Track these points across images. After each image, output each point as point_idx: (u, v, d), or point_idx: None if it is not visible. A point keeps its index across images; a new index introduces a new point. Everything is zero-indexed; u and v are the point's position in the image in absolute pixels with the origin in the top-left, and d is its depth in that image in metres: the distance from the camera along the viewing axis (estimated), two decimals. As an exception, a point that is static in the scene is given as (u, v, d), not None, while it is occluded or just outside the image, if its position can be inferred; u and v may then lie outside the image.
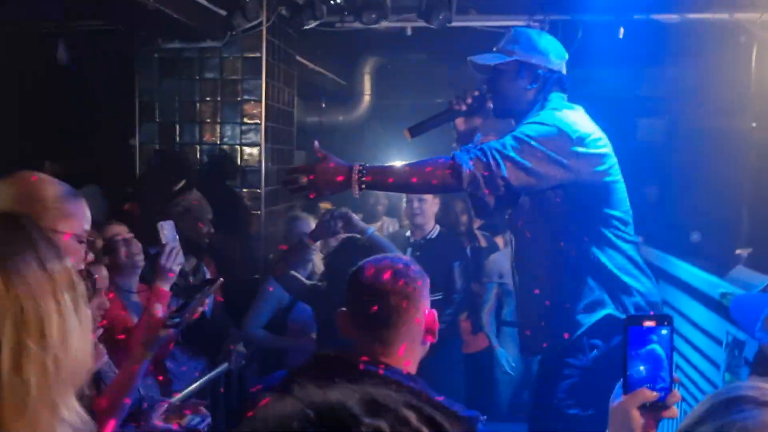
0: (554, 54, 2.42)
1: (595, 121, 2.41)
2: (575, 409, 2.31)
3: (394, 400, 0.58)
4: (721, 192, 4.65)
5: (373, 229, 3.25)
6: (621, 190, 2.37)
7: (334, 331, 1.60)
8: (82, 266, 1.58)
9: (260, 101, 4.46)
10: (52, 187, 1.59)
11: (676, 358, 3.48)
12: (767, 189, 4.71)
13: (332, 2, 3.88)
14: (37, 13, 4.50)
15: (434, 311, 1.60)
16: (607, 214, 2.32)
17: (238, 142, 4.51)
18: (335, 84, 6.98)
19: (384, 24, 4.14)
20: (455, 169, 2.17)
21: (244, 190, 4.49)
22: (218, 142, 4.53)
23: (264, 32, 4.35)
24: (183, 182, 3.75)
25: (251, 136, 4.49)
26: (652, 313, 1.23)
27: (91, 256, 1.68)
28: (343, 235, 3.28)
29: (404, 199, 4.21)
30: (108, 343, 1.84)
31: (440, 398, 1.26)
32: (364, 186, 2.18)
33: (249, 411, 1.14)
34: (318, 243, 3.54)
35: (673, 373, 1.19)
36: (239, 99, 4.48)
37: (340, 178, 2.19)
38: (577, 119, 2.31)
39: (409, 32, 4.76)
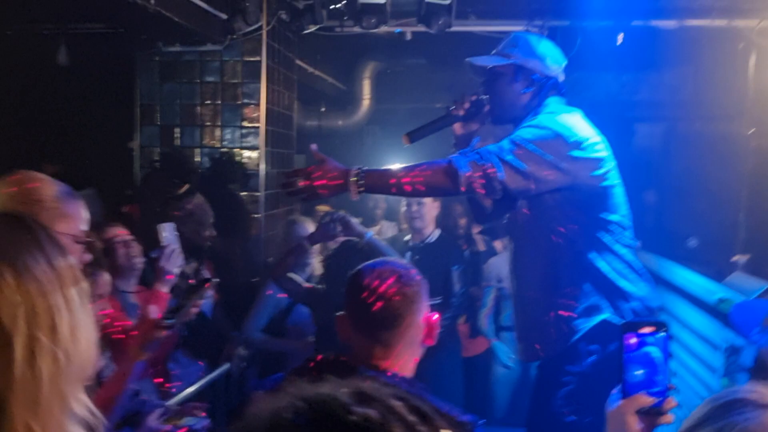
0: (552, 59, 2.43)
1: (594, 126, 2.41)
2: (573, 416, 2.30)
3: (382, 392, 0.59)
4: (719, 198, 4.66)
5: (371, 232, 3.26)
6: (619, 194, 2.37)
7: (332, 333, 1.61)
8: (80, 266, 1.59)
9: (260, 105, 4.47)
10: (50, 187, 1.60)
11: (673, 363, 3.49)
12: (765, 195, 4.73)
13: (332, 7, 3.90)
14: (39, 15, 4.51)
15: (434, 314, 1.60)
16: (604, 218, 2.32)
17: (237, 145, 4.52)
18: (335, 88, 6.99)
19: (383, 29, 4.15)
20: (452, 172, 2.17)
21: (244, 193, 4.49)
22: (218, 146, 4.54)
23: (264, 36, 4.37)
24: (186, 186, 3.76)
25: (251, 140, 4.50)
26: (648, 319, 1.24)
27: (88, 257, 1.68)
28: (342, 239, 3.29)
29: (403, 203, 4.22)
30: (105, 344, 1.85)
31: (438, 403, 1.27)
32: (362, 189, 2.19)
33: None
34: (317, 246, 3.55)
35: (670, 380, 1.20)
36: (239, 102, 4.50)
37: (337, 182, 2.20)
38: (575, 123, 2.32)
39: (408, 37, 4.78)
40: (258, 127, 4.49)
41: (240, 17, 4.02)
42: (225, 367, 3.34)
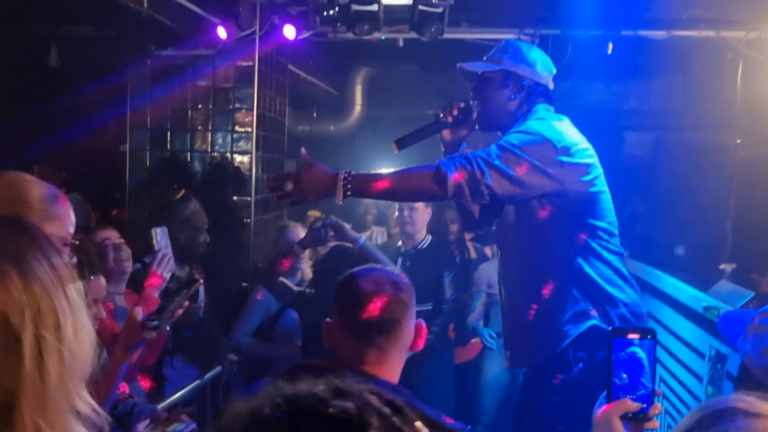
0: (541, 67, 2.45)
1: (583, 133, 2.43)
2: (561, 424, 2.31)
3: (357, 388, 0.61)
4: (707, 207, 4.71)
5: (364, 238, 3.27)
6: (606, 200, 2.38)
7: (320, 338, 1.62)
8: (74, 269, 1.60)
9: (252, 110, 4.47)
10: (37, 189, 1.59)
11: (660, 370, 3.52)
12: (751, 205, 4.78)
13: (325, 13, 3.91)
14: (30, 17, 4.50)
15: (422, 322, 1.62)
16: (592, 224, 2.33)
17: (229, 150, 4.52)
18: (327, 93, 7.01)
19: (376, 35, 4.17)
20: (440, 177, 2.18)
21: (235, 198, 4.49)
22: (209, 150, 4.54)
23: (257, 41, 4.38)
24: (183, 191, 3.76)
25: (242, 145, 4.50)
26: (636, 325, 1.27)
27: (74, 259, 1.68)
28: (332, 244, 3.29)
29: (396, 208, 4.23)
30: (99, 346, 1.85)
31: (427, 409, 1.28)
32: (349, 193, 2.20)
33: None
34: (308, 251, 3.55)
35: (656, 385, 1.22)
36: (231, 107, 4.50)
37: (325, 186, 2.20)
38: (563, 129, 2.33)
39: (401, 44, 4.80)
40: (249, 132, 4.49)
41: (233, 22, 4.03)
42: (215, 371, 3.33)
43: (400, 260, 3.97)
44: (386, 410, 0.58)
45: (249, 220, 4.50)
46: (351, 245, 3.16)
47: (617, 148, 6.47)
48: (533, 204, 2.31)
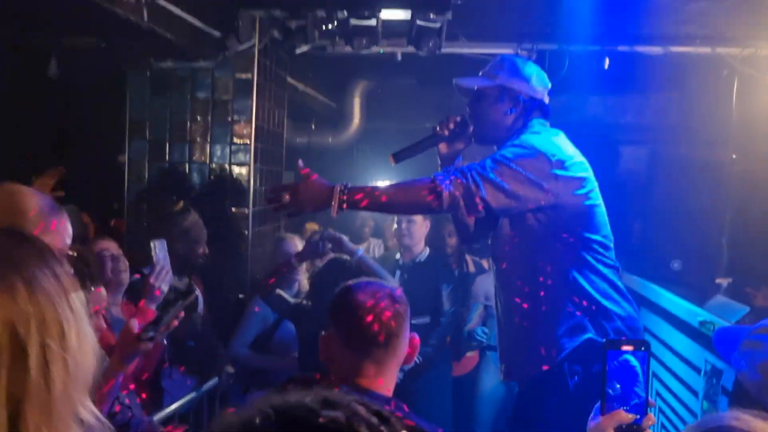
0: (537, 82, 2.48)
1: (580, 147, 2.46)
2: None
3: (345, 399, 0.62)
4: (702, 221, 4.73)
5: (362, 250, 3.28)
6: (601, 214, 2.40)
7: (316, 350, 1.63)
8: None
9: (250, 122, 4.49)
10: (34, 200, 1.61)
11: (656, 384, 3.52)
12: (747, 219, 4.81)
13: (324, 27, 3.95)
14: (30, 27, 4.52)
15: (416, 335, 1.63)
16: (587, 237, 2.34)
17: (227, 161, 4.53)
18: (325, 106, 7.04)
19: (374, 49, 4.21)
20: (435, 190, 2.20)
21: (233, 209, 4.50)
22: (207, 162, 4.55)
23: (256, 54, 4.40)
24: (181, 203, 3.78)
25: (240, 156, 4.52)
26: (631, 337, 1.28)
27: (72, 271, 1.69)
28: (330, 256, 3.31)
29: (394, 221, 4.24)
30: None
31: (418, 421, 1.29)
32: (345, 206, 2.21)
33: None
34: (305, 263, 3.57)
35: (649, 396, 1.23)
36: (230, 119, 4.52)
37: (322, 198, 2.22)
38: (558, 143, 2.36)
39: (399, 58, 4.84)
40: (248, 144, 4.51)
41: (233, 35, 4.06)
42: (212, 383, 3.33)
43: (398, 273, 3.98)
44: (374, 420, 0.59)
45: (247, 232, 4.50)
46: (348, 257, 3.17)
47: (614, 162, 6.51)
48: (528, 217, 2.33)
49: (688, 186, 4.87)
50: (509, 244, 2.42)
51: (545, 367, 2.33)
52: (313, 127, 7.04)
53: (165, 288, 2.32)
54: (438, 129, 2.53)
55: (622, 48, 4.54)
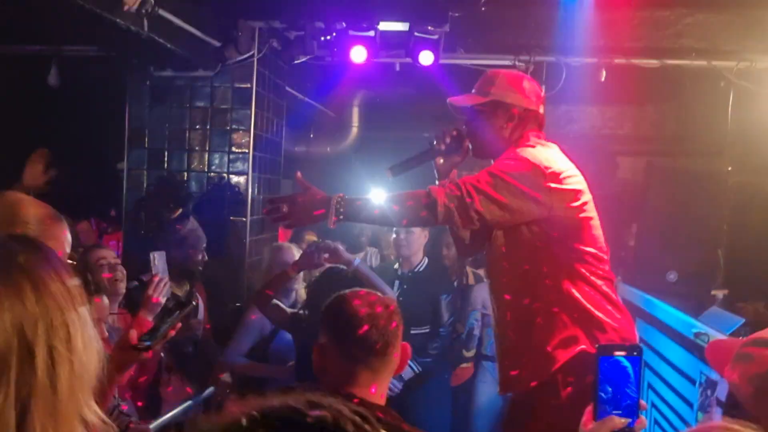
0: (530, 93, 2.49)
1: (577, 158, 2.48)
2: None
3: (327, 400, 0.63)
4: (699, 233, 4.75)
5: (359, 260, 3.29)
6: (595, 227, 2.41)
7: (312, 359, 1.64)
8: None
9: (249, 131, 4.51)
10: (34, 208, 1.62)
11: (651, 396, 3.52)
12: (743, 231, 4.82)
13: (323, 39, 3.98)
14: (31, 36, 4.55)
15: (407, 345, 1.65)
16: (581, 249, 2.35)
17: (225, 170, 4.55)
18: (324, 115, 7.07)
19: (373, 59, 4.24)
20: (430, 203, 2.23)
21: (231, 218, 4.52)
22: (206, 170, 4.57)
23: (255, 64, 4.43)
24: (180, 210, 3.79)
25: (239, 165, 4.54)
26: (623, 343, 1.30)
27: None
28: (327, 266, 3.32)
29: (392, 231, 4.25)
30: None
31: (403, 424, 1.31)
32: (341, 217, 2.24)
33: None
34: (302, 273, 3.57)
35: (640, 398, 1.24)
36: (228, 128, 4.54)
37: (319, 209, 2.25)
38: (552, 156, 2.37)
39: (397, 68, 4.87)
40: (246, 153, 4.53)
41: (232, 45, 4.09)
42: (208, 392, 3.33)
43: (397, 283, 3.99)
44: (357, 419, 0.61)
45: (244, 240, 4.52)
46: (345, 267, 3.18)
47: (611, 172, 6.53)
48: (522, 229, 2.34)
49: (685, 197, 4.89)
50: (503, 255, 2.43)
51: (539, 379, 2.34)
52: (311, 136, 7.06)
53: (163, 300, 2.34)
54: (434, 143, 2.56)
55: (618, 60, 4.57)
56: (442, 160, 2.60)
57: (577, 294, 2.32)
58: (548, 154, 2.36)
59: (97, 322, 1.91)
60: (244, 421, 0.59)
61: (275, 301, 3.33)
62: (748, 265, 4.65)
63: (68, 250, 1.67)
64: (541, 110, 2.53)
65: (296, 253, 3.74)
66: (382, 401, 1.57)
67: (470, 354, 4.47)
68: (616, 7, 4.22)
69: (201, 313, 3.58)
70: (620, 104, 6.41)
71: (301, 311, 3.39)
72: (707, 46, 4.48)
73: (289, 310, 3.39)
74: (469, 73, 4.56)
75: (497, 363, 2.61)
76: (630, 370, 1.22)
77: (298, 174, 2.35)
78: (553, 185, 2.28)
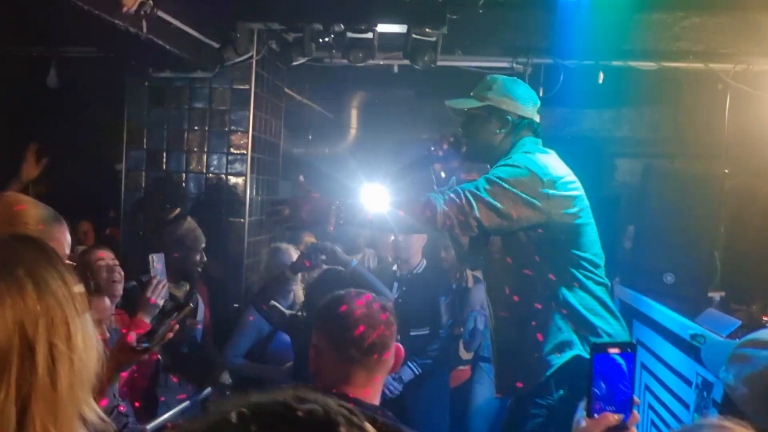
0: (525, 101, 2.53)
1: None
2: None
3: (313, 395, 0.64)
4: (696, 234, 4.75)
5: (356, 261, 3.30)
6: (592, 232, 2.44)
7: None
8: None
9: (247, 132, 4.52)
10: (35, 210, 1.63)
11: (648, 397, 3.52)
12: (740, 233, 4.83)
13: (321, 40, 3.99)
14: (30, 37, 4.56)
15: (401, 345, 1.67)
16: (577, 255, 2.38)
17: (224, 171, 4.56)
18: (322, 117, 7.08)
19: (371, 62, 4.25)
20: (430, 209, 2.26)
21: (229, 219, 4.52)
22: (204, 171, 4.57)
23: (254, 65, 4.44)
24: (178, 210, 3.79)
25: (237, 166, 4.55)
26: (617, 340, 1.31)
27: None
28: (324, 267, 3.32)
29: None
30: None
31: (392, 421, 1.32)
32: (342, 221, 2.28)
33: None
34: (300, 274, 3.58)
35: (634, 393, 1.26)
36: (227, 129, 4.55)
37: (320, 213, 2.29)
38: (549, 162, 2.40)
39: (395, 70, 4.88)
40: (244, 154, 4.53)
41: (231, 47, 4.09)
42: (206, 392, 3.34)
43: (396, 285, 4.00)
44: (345, 411, 0.62)
45: (243, 242, 4.52)
46: (343, 269, 3.19)
47: (609, 174, 6.54)
48: (518, 235, 2.37)
49: (682, 199, 4.89)
50: (499, 261, 2.46)
51: (533, 383, 2.36)
52: (310, 137, 7.07)
53: (161, 302, 2.35)
54: (432, 149, 2.60)
55: (616, 63, 4.58)
56: (440, 166, 2.65)
57: (572, 299, 2.35)
58: (546, 161, 2.39)
59: (98, 322, 1.93)
60: (233, 418, 0.60)
61: (273, 302, 3.34)
62: (745, 267, 4.66)
63: (68, 251, 1.68)
64: (537, 118, 2.56)
65: (294, 254, 3.75)
66: (376, 401, 1.59)
67: (468, 356, 4.49)
68: (614, 10, 4.23)
69: (201, 313, 3.59)
70: (618, 106, 6.42)
71: (299, 312, 3.39)
72: (704, 48, 4.49)
73: (287, 311, 3.40)
74: (468, 76, 4.57)
75: (493, 365, 2.63)
76: (624, 366, 1.24)
77: (301, 178, 2.39)
78: (550, 192, 2.30)
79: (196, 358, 3.29)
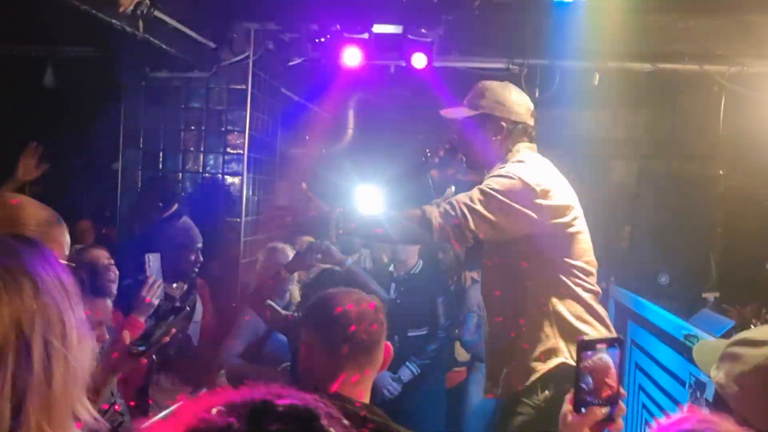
0: (518, 105, 2.54)
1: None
2: None
3: (287, 390, 0.65)
4: (691, 236, 4.77)
5: (351, 260, 3.31)
6: (584, 240, 2.46)
7: (304, 360, 1.66)
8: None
9: (244, 132, 4.53)
10: (34, 210, 1.63)
11: (642, 397, 3.53)
12: (735, 235, 4.85)
13: (317, 40, 4.00)
14: (27, 37, 4.56)
15: (389, 343, 1.69)
16: (568, 263, 2.40)
17: (220, 171, 4.56)
18: (319, 117, 7.08)
19: (367, 61, 4.26)
20: (425, 223, 2.30)
21: (225, 218, 4.53)
22: (201, 171, 4.58)
23: (250, 65, 4.45)
24: (173, 209, 3.79)
25: (233, 166, 4.55)
26: (604, 337, 1.33)
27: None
28: (320, 267, 3.33)
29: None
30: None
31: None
32: (341, 231, 2.34)
33: None
34: (296, 274, 3.59)
35: (621, 386, 1.27)
36: (223, 129, 4.55)
37: (321, 222, 2.38)
38: (542, 171, 2.43)
39: (392, 70, 4.89)
40: (241, 154, 4.54)
41: (227, 47, 4.11)
42: (202, 393, 3.33)
43: (393, 285, 4.01)
44: (322, 405, 0.63)
45: (239, 241, 4.53)
46: (339, 268, 3.20)
47: (604, 175, 6.56)
48: (512, 243, 2.40)
49: (677, 200, 4.91)
50: (492, 268, 2.50)
51: (519, 386, 2.39)
52: (306, 137, 7.07)
53: (156, 301, 2.36)
54: (429, 156, 2.63)
55: (612, 64, 4.59)
56: (437, 173, 2.68)
57: (561, 307, 2.38)
58: (539, 170, 2.42)
59: (98, 324, 1.93)
60: (213, 414, 0.60)
61: (269, 301, 3.34)
62: (740, 268, 4.68)
63: (67, 252, 1.68)
64: (531, 122, 2.57)
65: (290, 254, 3.75)
66: (366, 399, 1.60)
67: (465, 358, 4.50)
68: (609, 12, 4.25)
69: (198, 314, 3.58)
70: (614, 108, 6.44)
71: (295, 312, 3.40)
72: (700, 50, 4.51)
73: (283, 312, 3.40)
74: (464, 76, 4.59)
75: (485, 367, 2.66)
76: (611, 363, 1.25)
77: (303, 185, 2.44)
78: (543, 202, 2.33)
79: (189, 357, 3.29)
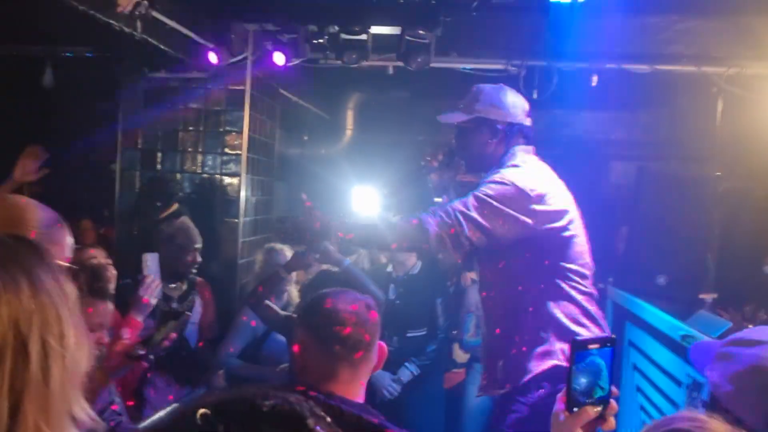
0: (513, 107, 2.56)
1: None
2: None
3: (272, 391, 0.65)
4: (689, 237, 4.78)
5: (349, 261, 3.31)
6: (580, 243, 2.47)
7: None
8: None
9: (242, 133, 4.53)
10: (36, 212, 1.63)
11: (639, 398, 3.54)
12: (732, 236, 4.86)
13: (315, 41, 4.01)
14: (26, 37, 4.56)
15: (383, 343, 1.69)
16: (564, 267, 2.42)
17: (218, 171, 4.56)
18: (318, 117, 7.08)
19: (365, 64, 4.26)
20: (422, 231, 2.32)
21: (223, 219, 4.53)
22: (199, 171, 4.58)
23: (249, 66, 4.45)
24: (171, 209, 3.79)
25: (232, 167, 4.55)
26: (597, 337, 1.33)
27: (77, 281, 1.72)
28: (318, 267, 3.34)
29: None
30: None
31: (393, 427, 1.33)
32: (339, 240, 2.36)
33: None
34: (294, 274, 3.59)
35: (611, 385, 1.28)
36: (221, 130, 4.55)
37: (321, 232, 2.43)
38: (537, 176, 2.44)
39: (390, 71, 4.89)
40: (239, 155, 4.54)
41: (225, 47, 4.11)
42: (200, 393, 3.34)
43: (392, 287, 4.02)
44: (307, 405, 0.63)
45: (237, 242, 4.53)
46: (336, 268, 3.20)
47: (603, 177, 6.57)
48: (509, 248, 2.41)
49: (675, 201, 4.92)
50: (488, 271, 2.52)
51: (512, 385, 2.41)
52: (305, 138, 7.08)
53: (153, 301, 2.36)
54: (428, 160, 2.65)
55: (610, 65, 4.60)
56: (436, 176, 2.70)
57: (555, 310, 2.39)
58: (533, 174, 2.43)
59: (99, 326, 1.93)
60: (198, 416, 0.61)
61: (268, 302, 3.34)
62: (737, 270, 4.69)
63: (69, 254, 1.68)
64: (527, 123, 2.58)
65: (289, 254, 3.75)
66: (361, 398, 1.60)
67: (463, 359, 4.49)
68: (608, 13, 4.26)
69: (197, 315, 3.58)
70: (612, 109, 6.45)
71: (294, 313, 3.40)
72: (698, 52, 4.52)
73: (282, 312, 3.40)
74: (462, 77, 4.59)
75: (482, 367, 2.67)
76: (603, 362, 1.26)
77: (304, 196, 2.47)
78: (538, 207, 2.35)
79: (186, 358, 3.28)
